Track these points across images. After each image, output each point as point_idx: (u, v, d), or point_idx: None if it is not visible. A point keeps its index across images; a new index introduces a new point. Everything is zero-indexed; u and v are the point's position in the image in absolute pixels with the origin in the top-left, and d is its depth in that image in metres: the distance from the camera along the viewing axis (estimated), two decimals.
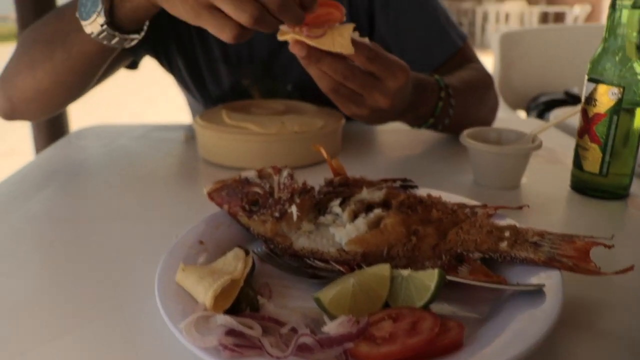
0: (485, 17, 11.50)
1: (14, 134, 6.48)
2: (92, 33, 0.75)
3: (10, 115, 0.94)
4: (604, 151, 0.75)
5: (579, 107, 0.78)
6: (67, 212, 0.76)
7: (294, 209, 0.56)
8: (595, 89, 0.74)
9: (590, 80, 0.74)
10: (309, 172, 0.85)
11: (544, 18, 11.10)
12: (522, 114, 2.10)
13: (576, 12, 9.66)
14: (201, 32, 1.10)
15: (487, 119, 1.08)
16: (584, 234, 0.53)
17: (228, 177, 0.63)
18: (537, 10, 10.54)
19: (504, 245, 0.54)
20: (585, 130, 0.76)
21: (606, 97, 0.72)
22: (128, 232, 0.68)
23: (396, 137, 1.06)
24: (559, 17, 10.72)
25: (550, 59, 2.12)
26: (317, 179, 0.62)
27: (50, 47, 0.82)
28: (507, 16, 10.56)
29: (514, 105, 2.06)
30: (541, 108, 1.98)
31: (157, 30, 1.08)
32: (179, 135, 1.10)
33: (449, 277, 0.48)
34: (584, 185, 0.78)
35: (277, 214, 0.57)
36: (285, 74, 1.12)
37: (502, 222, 0.58)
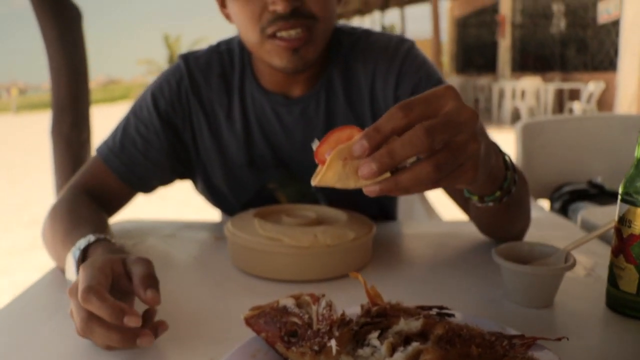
0: (501, 94, 11.69)
1: (38, 204, 6.58)
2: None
3: None
4: None
5: (611, 223, 0.78)
6: None
7: (333, 343, 0.56)
8: (629, 210, 0.74)
9: (624, 201, 0.75)
10: (340, 284, 0.86)
11: (559, 94, 11.24)
12: (545, 203, 2.10)
13: (591, 89, 9.78)
14: (219, 143, 1.14)
15: (527, 222, 1.03)
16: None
17: (265, 304, 0.64)
18: (552, 87, 10.69)
19: None
20: (620, 250, 0.76)
21: None
22: (158, 351, 0.68)
23: (425, 244, 1.06)
24: (574, 94, 10.85)
25: (572, 148, 2.14)
26: (347, 292, 0.60)
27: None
28: (523, 93, 10.71)
29: (537, 195, 2.06)
30: (565, 198, 1.98)
31: (178, 157, 1.16)
32: (208, 236, 1.11)
33: None
34: (621, 304, 0.77)
35: (316, 347, 0.57)
36: (310, 175, 1.13)
37: (541, 354, 0.58)
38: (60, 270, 0.94)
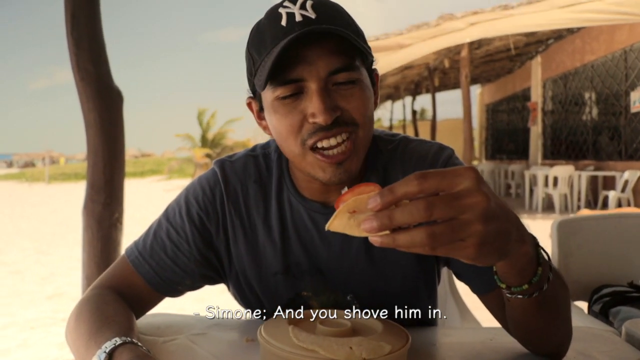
0: (533, 181, 11.60)
1: (63, 277, 6.62)
2: None
3: None
4: None
5: None
6: None
7: None
8: None
9: None
10: None
11: (593, 182, 11.10)
12: (583, 305, 2.02)
13: (626, 177, 9.65)
14: (255, 250, 1.13)
15: (567, 334, 0.96)
16: None
17: None
18: (585, 175, 10.58)
19: None
20: None
21: None
22: None
23: (460, 355, 1.02)
24: (608, 182, 10.71)
25: (612, 248, 2.06)
26: None
27: None
28: (555, 180, 10.61)
29: (575, 296, 1.98)
30: (606, 300, 1.89)
31: (209, 264, 1.15)
32: (239, 337, 1.09)
33: None
34: None
35: None
36: (345, 285, 1.12)
37: None
38: None
